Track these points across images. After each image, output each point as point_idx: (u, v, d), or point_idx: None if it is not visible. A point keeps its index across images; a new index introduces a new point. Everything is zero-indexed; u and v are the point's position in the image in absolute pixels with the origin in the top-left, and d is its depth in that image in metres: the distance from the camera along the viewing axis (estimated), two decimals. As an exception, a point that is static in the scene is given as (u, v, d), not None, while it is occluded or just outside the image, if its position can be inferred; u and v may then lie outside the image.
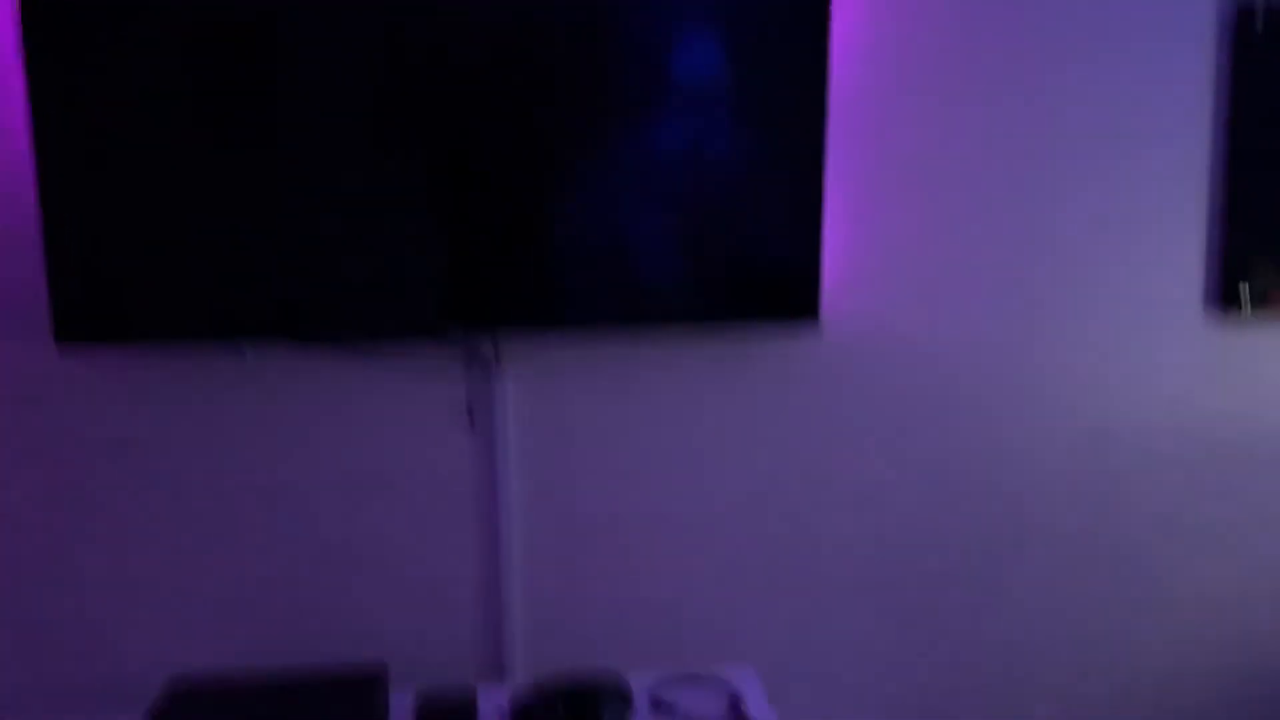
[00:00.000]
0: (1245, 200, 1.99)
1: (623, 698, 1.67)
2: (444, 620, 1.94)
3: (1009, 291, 1.98)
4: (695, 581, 1.98)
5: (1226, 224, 1.99)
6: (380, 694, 1.67)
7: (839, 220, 1.93)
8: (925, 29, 1.91)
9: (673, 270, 1.81)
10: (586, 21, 1.73)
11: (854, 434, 1.98)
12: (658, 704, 1.74)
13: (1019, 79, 1.94)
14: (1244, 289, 2.00)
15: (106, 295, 1.69)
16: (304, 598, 1.90)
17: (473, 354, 1.89)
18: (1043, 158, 1.96)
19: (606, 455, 1.93)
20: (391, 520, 1.90)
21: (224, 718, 1.56)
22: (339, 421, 1.87)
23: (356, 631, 1.92)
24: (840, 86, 1.90)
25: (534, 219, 1.77)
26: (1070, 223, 1.98)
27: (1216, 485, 2.08)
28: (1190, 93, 1.98)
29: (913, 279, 1.96)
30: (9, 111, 1.72)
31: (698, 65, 1.76)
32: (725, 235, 1.81)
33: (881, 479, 2.00)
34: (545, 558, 1.95)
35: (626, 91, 1.76)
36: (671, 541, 1.97)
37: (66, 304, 1.68)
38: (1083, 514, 2.05)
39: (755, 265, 1.83)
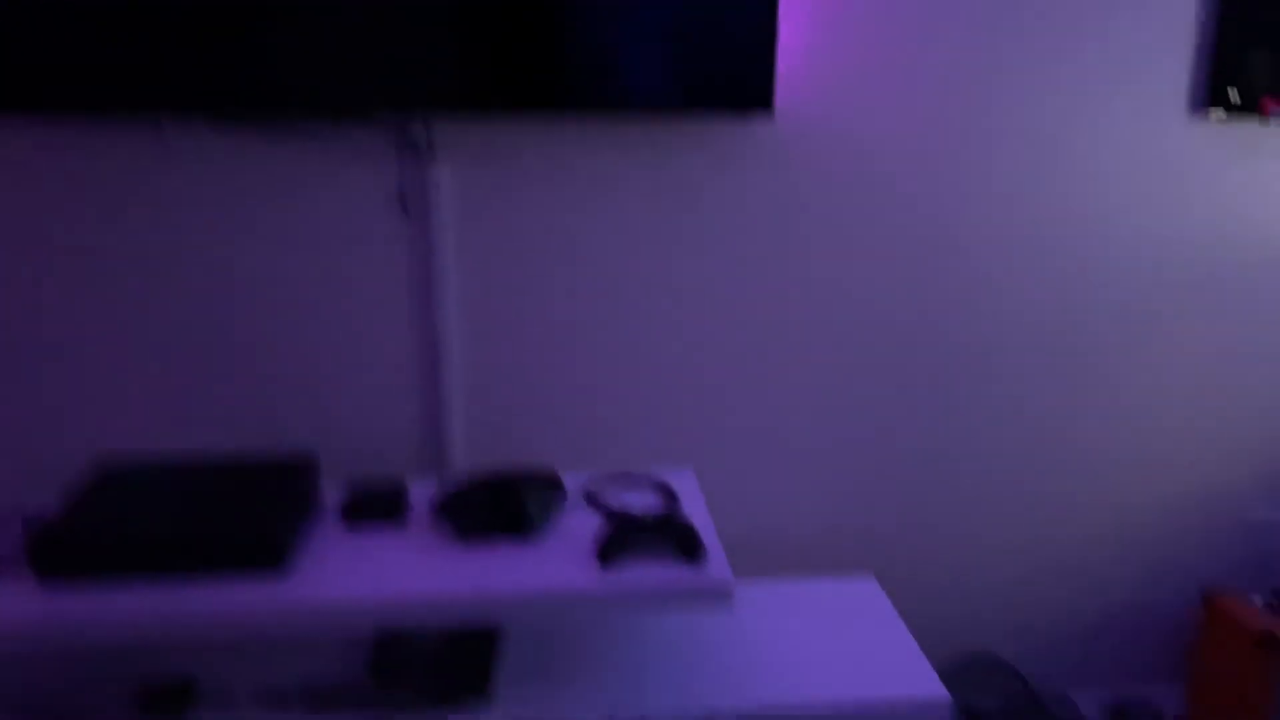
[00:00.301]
0: (1232, 19, 1.84)
1: (552, 488, 1.65)
2: (380, 413, 1.90)
3: (983, 84, 1.86)
4: (643, 381, 1.94)
5: (1217, 24, 1.85)
6: (310, 481, 1.64)
7: (796, 6, 1.79)
8: None
9: (619, 54, 1.68)
10: None
11: (810, 230, 1.90)
12: (591, 498, 1.72)
13: None
14: (1232, 92, 1.88)
15: (7, 58, 1.57)
16: (233, 387, 1.86)
17: (405, 138, 1.78)
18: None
19: (550, 246, 1.86)
20: (324, 310, 1.84)
21: (148, 498, 1.54)
22: (266, 207, 1.78)
23: (289, 422, 1.89)
24: None
25: (467, -14, 1.63)
26: (1046, 14, 1.84)
27: (1195, 288, 2.01)
28: None
29: (879, 68, 1.83)
30: None
31: None
32: (674, 19, 1.68)
33: (839, 275, 1.93)
34: (486, 351, 1.90)
35: None
36: (619, 338, 1.91)
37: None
38: (1050, 312, 1.99)
39: (706, 52, 1.70)
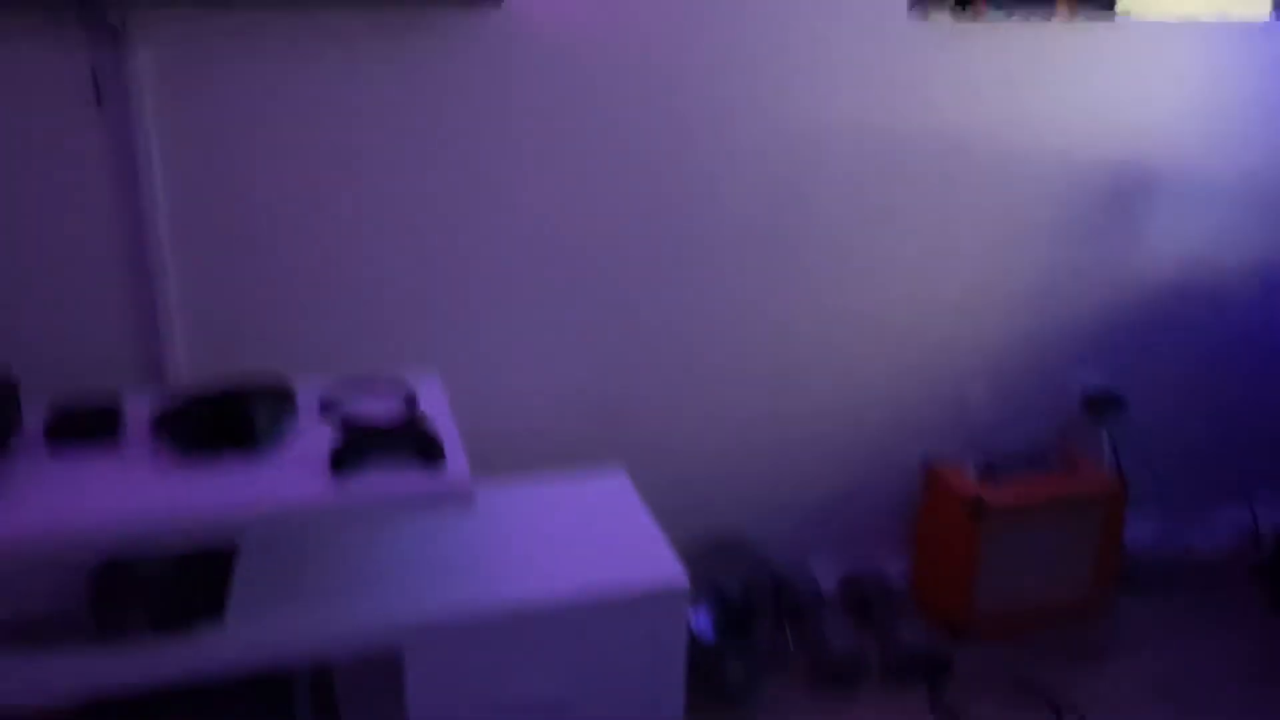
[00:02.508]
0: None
1: (282, 399, 1.57)
2: (88, 324, 1.74)
3: (718, -20, 1.86)
4: (377, 278, 1.87)
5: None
6: (8, 404, 1.49)
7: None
8: None
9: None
10: None
11: (541, 122, 1.86)
12: (327, 406, 1.66)
13: None
14: (949, -9, 1.96)
15: None
16: (-89, 302, 1.65)
17: (98, 23, 1.59)
18: None
19: (266, 140, 1.73)
20: (17, 212, 1.65)
21: None
22: (-71, 94, 1.56)
23: (-17, 340, 1.70)
24: None
25: None
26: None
27: (914, 177, 2.12)
28: None
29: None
30: None
31: None
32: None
33: (571, 169, 1.91)
34: (203, 252, 1.76)
35: None
36: (347, 236, 1.82)
37: None
38: (780, 203, 2.05)
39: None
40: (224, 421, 1.49)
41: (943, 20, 2.00)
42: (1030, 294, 2.29)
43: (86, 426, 1.53)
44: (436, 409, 1.68)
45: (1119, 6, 2.07)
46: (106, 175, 1.67)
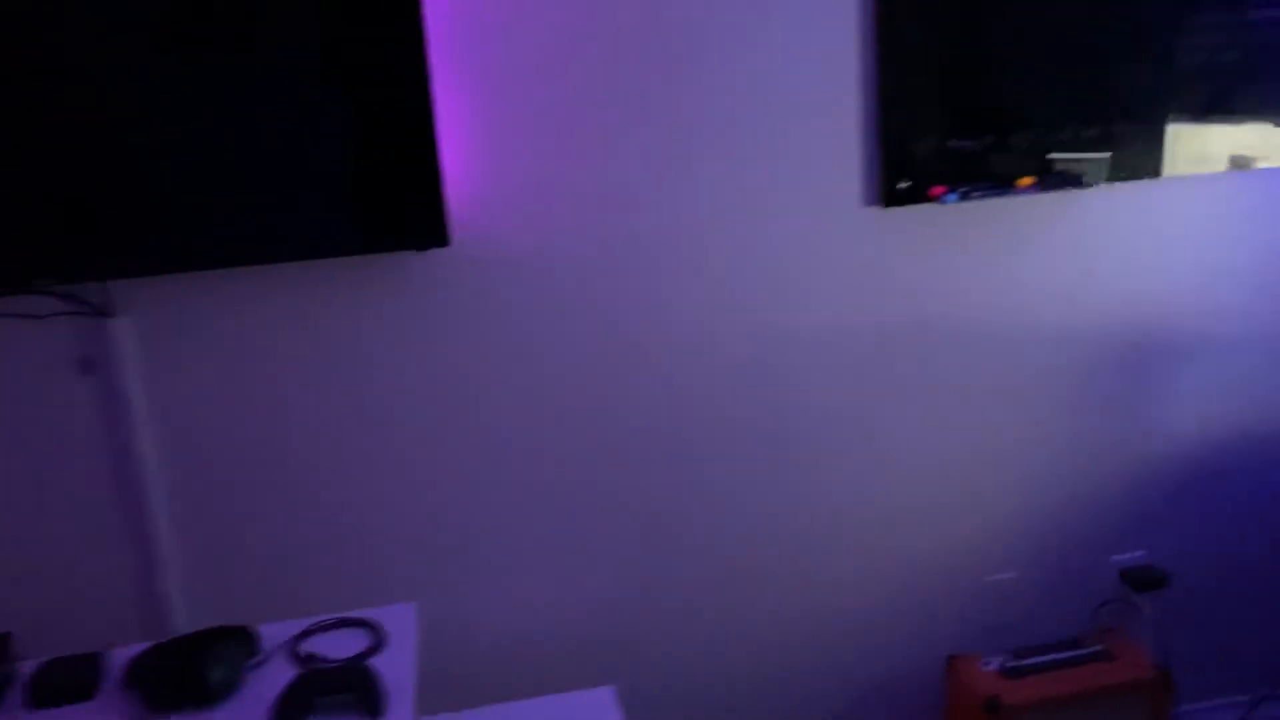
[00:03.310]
0: (900, 92, 1.95)
1: (242, 646, 1.61)
2: (91, 585, 1.85)
3: (664, 192, 1.93)
4: (352, 518, 1.93)
5: (882, 117, 1.96)
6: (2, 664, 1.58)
7: (468, 134, 1.84)
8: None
9: (290, 205, 1.70)
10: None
11: (508, 349, 1.92)
12: (293, 651, 1.69)
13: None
14: (902, 184, 1.98)
15: None
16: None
17: (83, 303, 1.75)
18: (684, 55, 1.88)
19: (244, 392, 1.84)
20: (16, 485, 1.79)
21: None
22: (-62, 382, 1.73)
23: (-11, 600, 1.82)
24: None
25: (134, 161, 1.63)
26: (719, 122, 1.92)
27: (885, 373, 2.10)
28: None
29: (556, 185, 1.88)
30: None
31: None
32: (336, 169, 1.70)
33: (543, 388, 1.96)
34: (194, 505, 1.86)
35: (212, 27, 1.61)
36: (322, 479, 1.90)
37: None
38: (757, 402, 2.05)
39: (372, 197, 1.73)
40: (181, 677, 1.54)
41: (902, 211, 2.02)
42: (1050, 471, 2.20)
43: (66, 684, 1.60)
44: (402, 647, 1.69)
45: (1164, 170, 2.05)
46: (100, 440, 1.80)
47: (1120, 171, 2.05)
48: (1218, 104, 2.08)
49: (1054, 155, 2.03)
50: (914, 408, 2.11)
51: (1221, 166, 2.10)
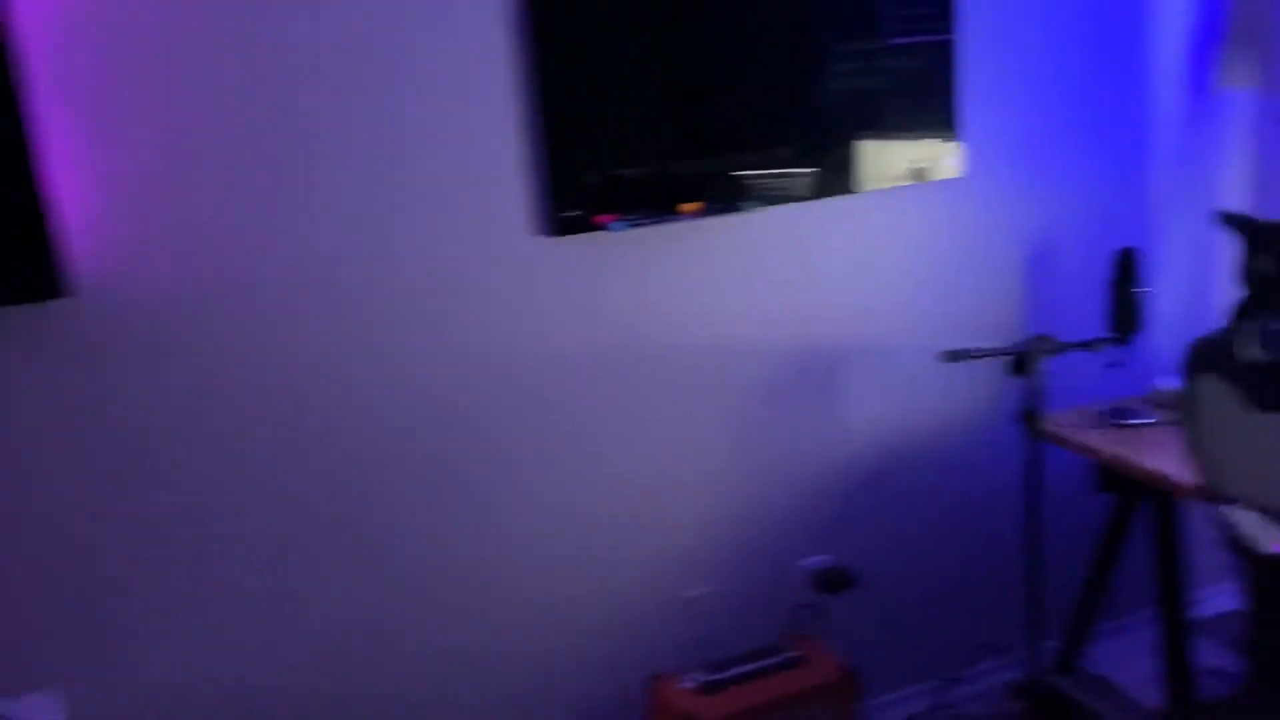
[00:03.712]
0: (563, 122, 1.94)
1: None
2: None
3: (319, 228, 1.83)
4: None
5: (546, 148, 1.94)
6: None
7: (95, 182, 1.68)
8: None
9: None
10: None
11: (160, 396, 1.78)
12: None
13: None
14: (570, 213, 1.97)
15: None
16: None
17: None
18: (331, 80, 1.80)
19: None
20: None
21: None
22: None
23: None
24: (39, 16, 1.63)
25: None
26: (376, 165, 1.85)
27: (569, 399, 2.09)
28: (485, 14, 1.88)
29: (206, 227, 1.76)
30: None
31: None
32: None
33: (207, 440, 1.82)
34: None
35: None
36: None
37: None
38: (441, 441, 1.99)
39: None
40: None
41: (573, 240, 2.01)
42: (739, 484, 2.26)
43: None
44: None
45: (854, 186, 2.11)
46: None
47: (790, 192, 2.13)
48: (887, 123, 2.19)
49: (727, 176, 2.07)
50: (598, 431, 2.11)
51: (891, 183, 2.21)
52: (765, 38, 2.06)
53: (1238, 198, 2.52)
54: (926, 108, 2.22)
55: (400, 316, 1.92)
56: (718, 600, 2.28)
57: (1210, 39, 2.44)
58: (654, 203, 2.03)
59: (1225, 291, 2.57)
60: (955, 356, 1.95)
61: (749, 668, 2.17)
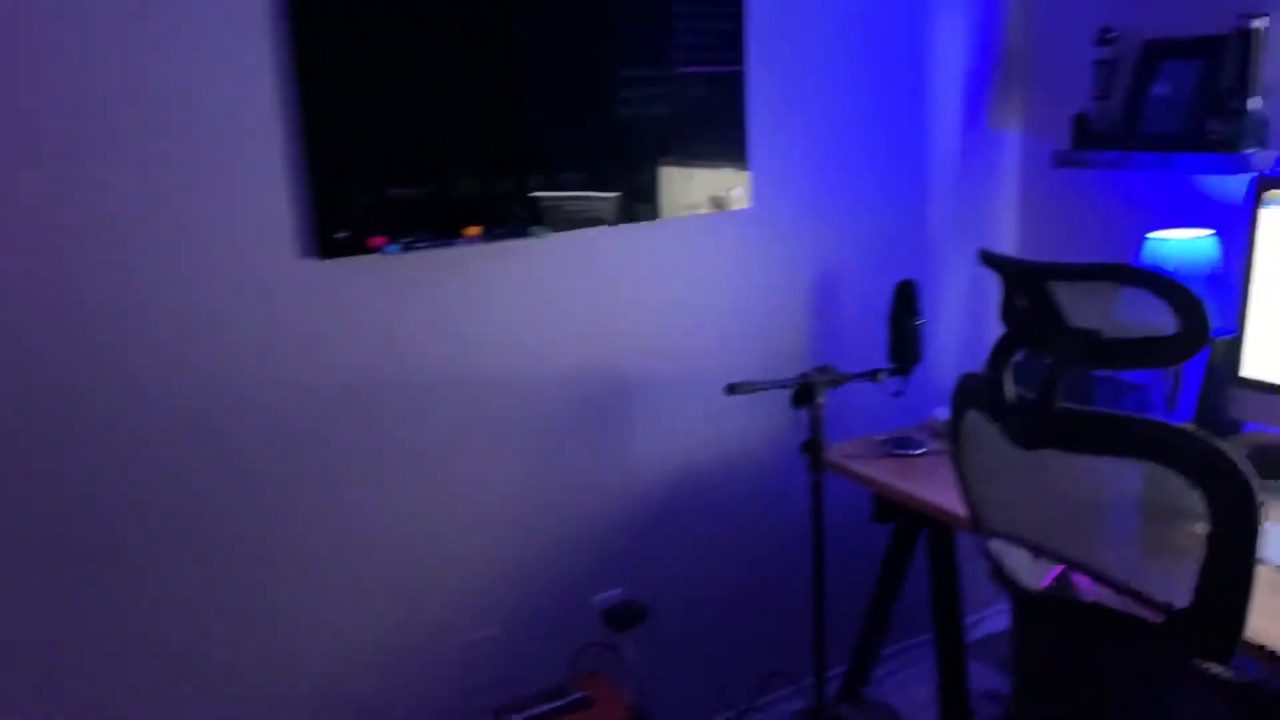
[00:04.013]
0: (332, 139, 1.81)
1: None
2: None
3: (67, 244, 1.64)
4: None
5: (313, 165, 1.81)
6: None
7: None
8: None
9: None
10: None
11: None
12: None
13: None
14: (339, 234, 1.84)
15: None
16: None
17: None
18: (71, 89, 1.61)
19: None
20: None
21: None
22: None
23: None
24: None
25: None
26: (125, 169, 1.67)
27: (343, 434, 1.95)
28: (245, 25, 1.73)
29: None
30: None
31: None
32: None
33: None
34: None
35: None
36: None
37: None
38: (208, 478, 1.82)
39: None
40: None
41: (343, 263, 1.88)
42: (527, 519, 2.17)
43: None
44: None
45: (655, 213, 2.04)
46: None
47: (585, 217, 2.07)
48: (682, 151, 2.16)
49: (517, 199, 1.99)
50: (372, 468, 1.98)
51: (688, 211, 2.19)
52: (557, 57, 2.00)
53: (1007, 235, 2.65)
54: (718, 138, 2.21)
55: (150, 342, 1.74)
56: (506, 641, 2.18)
57: (983, 80, 2.55)
58: (433, 225, 1.93)
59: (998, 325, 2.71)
60: (737, 389, 1.93)
61: (536, 711, 2.08)
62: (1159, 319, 1.24)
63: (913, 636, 2.69)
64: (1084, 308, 1.33)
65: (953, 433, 1.62)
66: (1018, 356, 1.44)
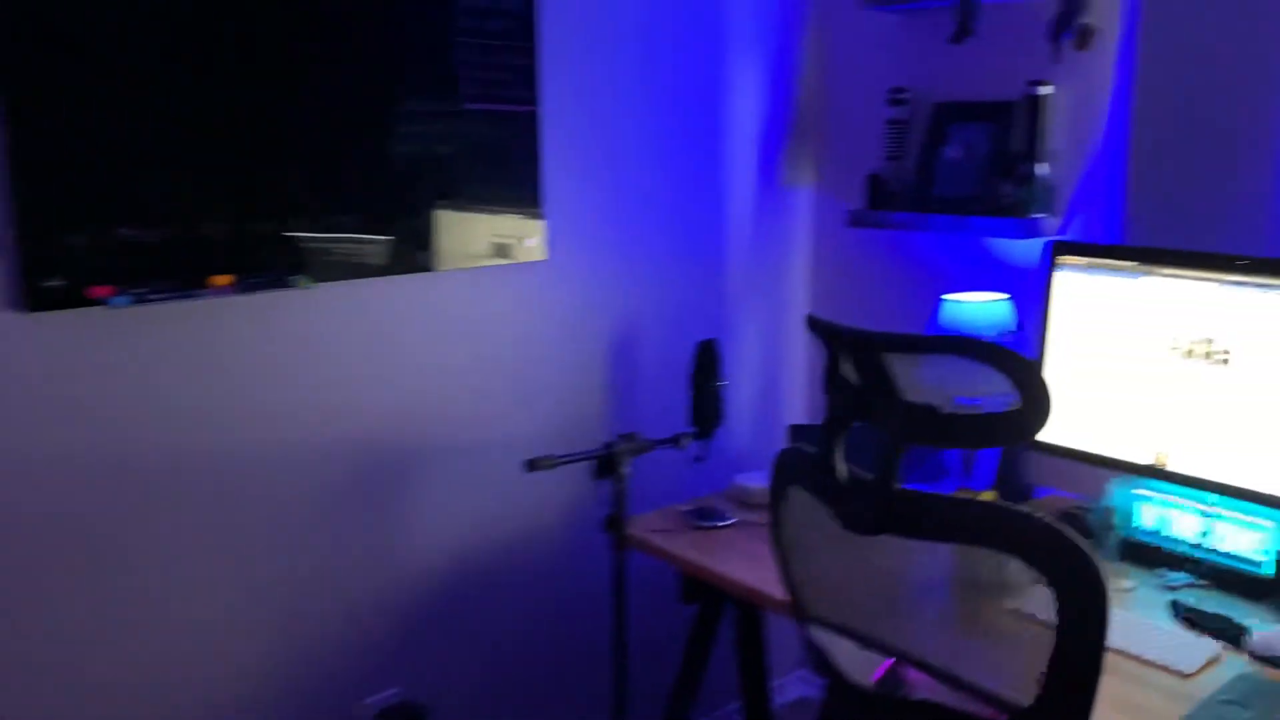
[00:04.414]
0: (41, 164, 1.49)
1: None
2: None
3: None
4: None
5: (18, 195, 1.48)
6: None
7: None
8: None
9: None
10: None
11: None
12: None
13: None
14: (52, 281, 1.51)
15: None
16: None
17: None
18: None
19: None
20: None
21: None
22: None
23: None
24: None
25: None
26: None
27: (55, 522, 1.60)
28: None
29: None
30: None
31: None
32: None
33: None
34: None
35: None
36: None
37: None
38: None
39: None
40: None
41: (55, 317, 1.54)
42: (289, 612, 1.86)
43: None
44: None
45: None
46: None
47: (356, 265, 1.82)
48: (468, 194, 1.95)
49: (275, 244, 1.72)
50: (93, 562, 1.64)
51: (473, 261, 1.97)
52: (327, 85, 1.75)
53: (802, 294, 2.60)
54: (508, 181, 2.02)
55: None
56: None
57: (777, 135, 2.50)
58: (173, 272, 1.63)
59: (800, 387, 2.64)
60: (536, 465, 1.73)
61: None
62: (997, 395, 1.15)
63: (721, 707, 2.55)
64: (918, 381, 1.22)
65: (772, 512, 1.49)
66: (845, 432, 1.32)
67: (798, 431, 2.17)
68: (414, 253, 1.90)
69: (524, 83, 1.99)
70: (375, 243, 1.85)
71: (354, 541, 1.93)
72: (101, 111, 1.53)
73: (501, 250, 2.03)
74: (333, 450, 1.88)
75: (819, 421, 1.34)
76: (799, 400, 2.66)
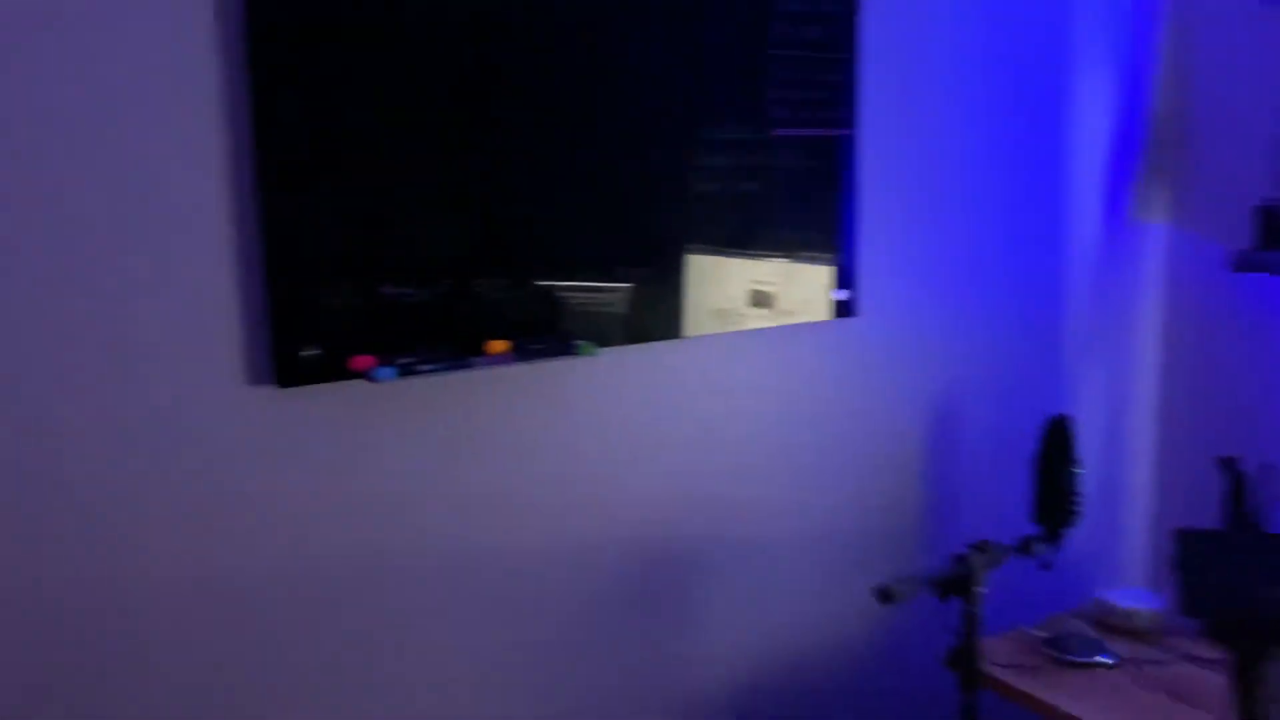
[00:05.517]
0: (299, 212, 1.23)
1: None
2: None
3: None
4: None
5: (269, 249, 1.22)
6: None
7: None
8: None
9: None
10: None
11: None
12: None
13: None
14: (308, 350, 1.25)
15: None
16: None
17: None
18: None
19: None
20: None
21: None
22: None
23: None
24: None
25: None
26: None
27: (298, 629, 1.33)
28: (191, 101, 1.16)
29: None
30: None
31: None
32: None
33: None
34: None
35: None
36: None
37: None
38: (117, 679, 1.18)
39: None
40: None
41: (310, 392, 1.28)
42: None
43: None
44: None
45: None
46: None
47: (638, 329, 1.50)
48: (736, 237, 1.60)
49: (549, 305, 1.41)
50: (349, 673, 1.36)
51: (757, 322, 1.61)
52: (618, 122, 1.44)
53: (1153, 357, 2.11)
54: (814, 224, 1.66)
55: (50, 517, 1.13)
56: None
57: (1127, 159, 2.03)
58: (443, 337, 1.34)
59: (1145, 480, 2.14)
60: (889, 595, 1.34)
61: None
62: None
63: None
64: None
65: (1247, 684, 1.05)
66: None
67: (1188, 540, 1.69)
68: (693, 315, 1.56)
69: (843, 101, 1.63)
70: (656, 304, 1.52)
71: (637, 649, 1.60)
72: (362, 153, 1.26)
73: (803, 305, 1.66)
74: (616, 546, 1.55)
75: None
76: (1144, 495, 2.15)
